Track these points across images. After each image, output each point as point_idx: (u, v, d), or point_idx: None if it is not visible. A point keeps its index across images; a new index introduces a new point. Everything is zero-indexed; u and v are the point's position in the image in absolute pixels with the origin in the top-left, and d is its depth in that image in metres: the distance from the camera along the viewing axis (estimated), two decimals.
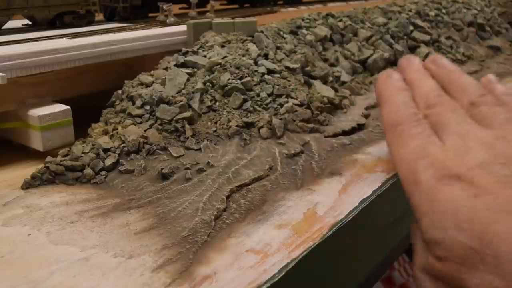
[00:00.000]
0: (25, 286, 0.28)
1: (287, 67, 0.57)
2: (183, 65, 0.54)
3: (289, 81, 0.55)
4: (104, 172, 0.42)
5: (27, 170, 0.43)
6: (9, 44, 0.54)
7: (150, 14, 0.89)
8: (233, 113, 0.49)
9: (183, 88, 0.50)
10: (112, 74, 0.58)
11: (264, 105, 0.51)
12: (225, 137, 0.47)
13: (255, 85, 0.52)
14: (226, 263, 0.30)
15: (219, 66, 0.53)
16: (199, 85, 0.50)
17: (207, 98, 0.50)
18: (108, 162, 0.42)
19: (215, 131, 0.48)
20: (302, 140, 0.48)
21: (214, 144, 0.46)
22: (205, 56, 0.55)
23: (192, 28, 0.64)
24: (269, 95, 0.52)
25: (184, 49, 0.57)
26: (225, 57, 0.55)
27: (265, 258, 0.31)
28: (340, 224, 0.35)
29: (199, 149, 0.45)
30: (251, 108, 0.50)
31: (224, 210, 0.36)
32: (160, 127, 0.47)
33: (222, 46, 0.58)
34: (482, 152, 0.22)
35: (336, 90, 0.60)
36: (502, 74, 0.80)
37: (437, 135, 0.24)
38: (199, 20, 0.67)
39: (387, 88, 0.26)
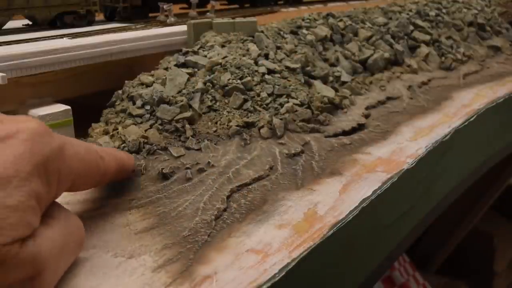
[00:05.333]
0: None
1: (287, 67, 0.57)
2: (184, 65, 0.54)
3: (289, 81, 0.55)
4: None
5: None
6: (10, 44, 0.54)
7: (151, 14, 0.89)
8: (234, 113, 0.49)
9: (184, 88, 0.50)
10: (112, 74, 0.58)
11: (264, 105, 0.51)
12: (225, 137, 0.47)
13: (255, 85, 0.52)
14: (226, 263, 0.30)
15: (220, 66, 0.53)
16: (200, 85, 0.50)
17: (208, 98, 0.50)
18: None
19: (215, 131, 0.48)
20: (303, 140, 0.48)
21: (215, 144, 0.46)
22: (205, 56, 0.55)
23: (193, 28, 0.64)
24: (269, 95, 0.52)
25: (184, 49, 0.57)
26: (226, 57, 0.55)
27: (266, 258, 0.31)
28: (341, 224, 0.35)
29: (200, 149, 0.45)
30: (252, 108, 0.50)
31: (225, 210, 0.36)
32: (160, 127, 0.47)
33: (223, 46, 0.58)
34: None
35: (336, 90, 0.60)
36: (502, 74, 0.80)
37: None
38: (199, 20, 0.67)
39: None
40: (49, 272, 0.25)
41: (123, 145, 0.44)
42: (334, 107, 0.56)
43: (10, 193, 0.23)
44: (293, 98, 0.53)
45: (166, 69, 0.54)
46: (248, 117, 0.49)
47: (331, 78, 0.63)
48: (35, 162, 0.25)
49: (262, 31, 0.63)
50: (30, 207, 0.24)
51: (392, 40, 0.78)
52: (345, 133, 0.52)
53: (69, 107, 0.49)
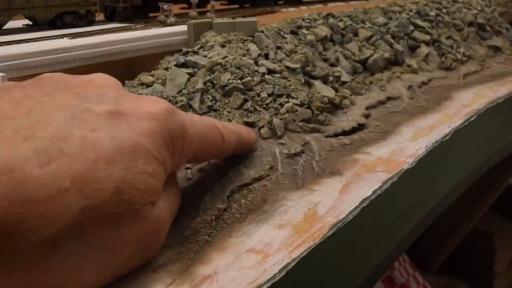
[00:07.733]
0: None
1: (287, 67, 0.57)
2: (184, 65, 0.54)
3: (289, 81, 0.55)
4: None
5: None
6: (10, 44, 0.54)
7: (151, 14, 0.89)
8: (234, 113, 0.49)
9: (184, 88, 0.50)
10: (112, 74, 0.58)
11: (264, 105, 0.51)
12: None
13: (255, 85, 0.52)
14: (226, 263, 0.30)
15: (220, 66, 0.53)
16: (200, 85, 0.50)
17: (208, 98, 0.50)
18: None
19: None
20: (303, 140, 0.48)
21: None
22: (205, 56, 0.55)
23: (193, 28, 0.64)
24: (269, 95, 0.52)
25: (184, 49, 0.58)
26: (226, 57, 0.55)
27: (266, 258, 0.31)
28: (341, 224, 0.35)
29: None
30: (252, 108, 0.50)
31: (225, 210, 0.36)
32: None
33: (223, 46, 0.58)
34: None
35: (336, 90, 0.60)
36: (502, 74, 0.80)
37: None
38: (199, 20, 0.67)
39: None
40: (165, 231, 0.29)
41: None
42: (334, 107, 0.56)
43: (150, 161, 0.26)
44: (293, 98, 0.53)
45: (166, 69, 0.54)
46: (248, 117, 0.49)
47: (331, 78, 0.63)
48: (166, 137, 0.28)
49: (262, 31, 0.63)
50: (161, 177, 0.27)
51: (392, 40, 0.78)
52: (345, 133, 0.52)
53: None
